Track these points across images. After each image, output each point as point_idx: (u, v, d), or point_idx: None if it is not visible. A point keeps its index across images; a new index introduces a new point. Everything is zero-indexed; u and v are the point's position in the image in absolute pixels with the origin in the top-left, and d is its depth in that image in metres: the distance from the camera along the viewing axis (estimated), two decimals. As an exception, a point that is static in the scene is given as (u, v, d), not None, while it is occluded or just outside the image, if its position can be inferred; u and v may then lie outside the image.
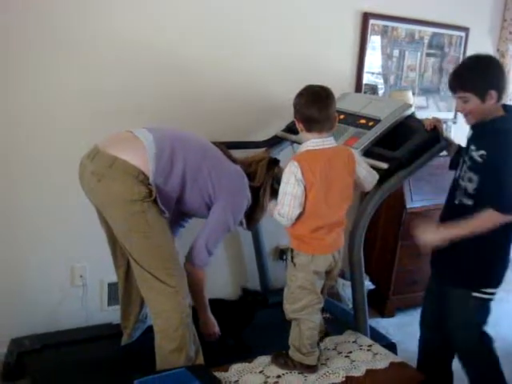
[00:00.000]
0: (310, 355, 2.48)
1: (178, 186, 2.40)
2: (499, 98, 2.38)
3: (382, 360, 2.64)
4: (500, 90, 2.36)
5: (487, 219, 2.30)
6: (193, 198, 2.46)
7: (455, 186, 2.57)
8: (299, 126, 2.36)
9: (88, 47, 2.90)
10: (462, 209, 2.45)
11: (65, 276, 3.09)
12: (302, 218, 2.35)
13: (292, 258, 2.43)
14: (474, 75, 2.38)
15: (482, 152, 2.34)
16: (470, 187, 2.41)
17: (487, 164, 2.33)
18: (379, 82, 3.95)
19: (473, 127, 2.51)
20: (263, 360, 2.56)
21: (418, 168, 2.71)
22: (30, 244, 2.96)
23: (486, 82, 2.36)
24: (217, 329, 2.74)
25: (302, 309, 2.43)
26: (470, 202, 2.43)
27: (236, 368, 2.47)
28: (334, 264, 2.47)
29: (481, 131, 2.45)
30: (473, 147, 2.41)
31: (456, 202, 2.52)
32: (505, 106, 2.45)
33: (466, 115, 2.47)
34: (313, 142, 2.34)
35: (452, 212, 2.53)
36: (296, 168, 2.28)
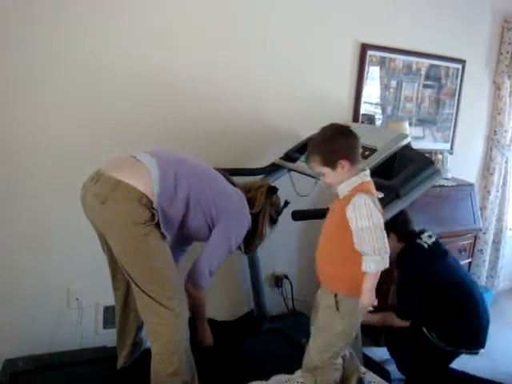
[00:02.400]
0: None
1: (182, 210, 2.42)
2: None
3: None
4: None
5: None
6: (195, 221, 2.48)
7: None
8: (344, 166, 2.20)
9: (91, 65, 2.93)
10: None
11: (61, 298, 3.09)
12: (357, 257, 2.19)
13: (336, 303, 2.28)
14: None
15: None
16: None
17: None
18: (377, 111, 4.01)
19: None
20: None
21: (415, 197, 2.74)
22: (26, 265, 2.96)
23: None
24: (211, 339, 2.76)
25: (335, 355, 2.37)
26: None
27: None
28: None
29: None
30: None
31: None
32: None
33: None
34: (363, 173, 2.25)
35: None
36: (369, 198, 2.16)
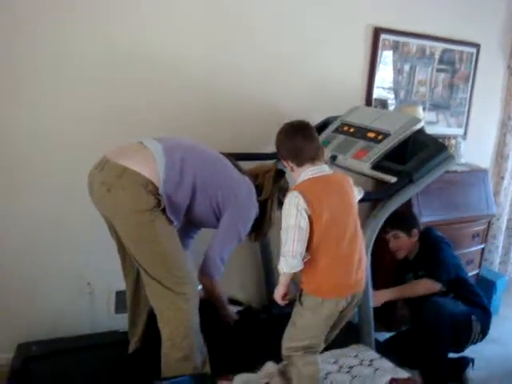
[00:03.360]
0: None
1: (188, 196, 2.40)
2: None
3: (383, 376, 2.60)
4: None
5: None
6: (202, 207, 2.47)
7: None
8: (288, 166, 2.21)
9: (95, 57, 2.93)
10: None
11: (72, 283, 3.10)
12: (312, 254, 2.11)
13: (300, 296, 2.24)
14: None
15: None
16: None
17: None
18: (390, 96, 3.97)
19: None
20: (267, 370, 2.54)
21: (428, 182, 2.71)
22: (38, 251, 2.98)
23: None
24: (235, 317, 2.81)
25: (300, 349, 2.26)
26: None
27: (240, 378, 2.47)
28: (348, 305, 2.26)
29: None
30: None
31: None
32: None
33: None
34: (310, 169, 2.16)
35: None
36: (296, 198, 2.07)
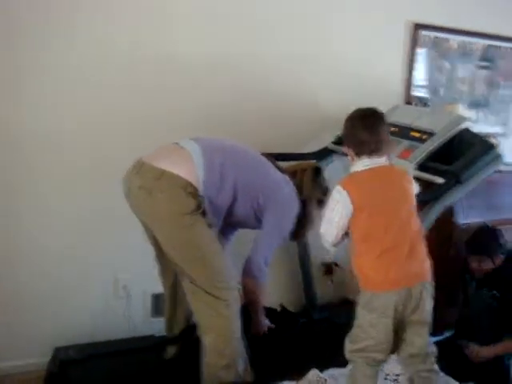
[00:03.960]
0: None
1: (229, 199, 2.35)
2: None
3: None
4: None
5: None
6: (243, 209, 2.41)
7: None
8: (349, 153, 2.19)
9: (97, 56, 2.87)
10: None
11: (108, 287, 3.07)
12: (358, 247, 2.13)
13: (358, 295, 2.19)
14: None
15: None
16: None
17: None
18: (429, 94, 3.87)
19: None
20: (312, 377, 2.48)
21: (476, 182, 2.61)
22: (74, 254, 2.95)
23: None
24: (266, 329, 2.72)
25: (359, 351, 2.16)
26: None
27: (285, 387, 2.40)
28: (407, 302, 2.09)
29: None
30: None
31: None
32: None
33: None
34: (364, 162, 2.14)
35: None
36: (338, 193, 2.09)
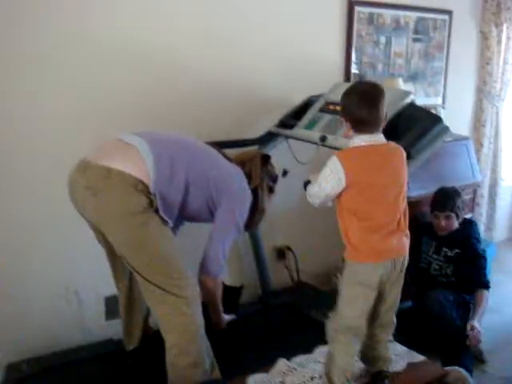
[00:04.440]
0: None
1: (181, 192, 2.26)
2: None
3: (399, 361, 2.53)
4: None
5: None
6: (195, 203, 2.33)
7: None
8: (346, 125, 2.19)
9: (78, 48, 2.76)
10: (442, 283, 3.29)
11: (58, 293, 2.93)
12: (349, 218, 2.16)
13: (342, 269, 2.25)
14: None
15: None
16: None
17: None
18: (368, 70, 3.87)
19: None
20: (281, 367, 2.45)
21: (426, 156, 2.62)
22: (20, 260, 2.79)
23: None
24: (225, 323, 2.66)
25: (344, 327, 2.19)
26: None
27: (254, 379, 2.36)
28: (389, 274, 2.19)
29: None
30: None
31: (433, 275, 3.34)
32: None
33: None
34: (362, 138, 2.14)
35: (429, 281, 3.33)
36: (334, 164, 2.11)
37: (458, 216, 3.28)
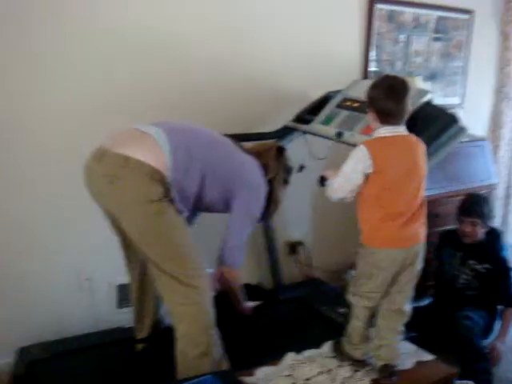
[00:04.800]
0: (356, 348, 2.45)
1: (197, 182, 2.27)
2: None
3: (408, 359, 2.54)
4: None
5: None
6: (212, 192, 2.34)
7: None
8: (372, 116, 2.28)
9: (87, 39, 2.76)
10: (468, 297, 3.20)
11: (71, 280, 2.96)
12: (371, 206, 2.27)
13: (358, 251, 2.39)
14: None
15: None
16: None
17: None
18: (386, 68, 3.85)
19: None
20: (289, 361, 2.47)
21: (442, 156, 2.61)
22: (34, 249, 2.83)
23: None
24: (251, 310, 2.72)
25: (357, 294, 2.39)
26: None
27: (262, 372, 2.38)
28: (405, 258, 2.30)
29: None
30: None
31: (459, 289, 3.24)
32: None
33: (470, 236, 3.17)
34: (387, 129, 2.25)
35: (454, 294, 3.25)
36: (361, 152, 2.22)
37: (484, 224, 3.17)
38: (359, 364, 2.46)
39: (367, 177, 2.23)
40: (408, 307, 2.41)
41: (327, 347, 2.60)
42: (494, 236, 3.28)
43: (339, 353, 2.52)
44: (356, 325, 2.43)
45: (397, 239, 2.27)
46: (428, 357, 2.58)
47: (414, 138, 2.32)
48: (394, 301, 2.38)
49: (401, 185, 2.24)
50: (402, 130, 2.28)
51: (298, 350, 2.56)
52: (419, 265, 2.36)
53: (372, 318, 2.44)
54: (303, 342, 2.66)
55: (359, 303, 2.40)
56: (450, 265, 3.27)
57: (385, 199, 2.24)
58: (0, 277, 2.77)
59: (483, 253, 3.20)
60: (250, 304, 2.70)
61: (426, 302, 3.38)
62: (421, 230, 2.32)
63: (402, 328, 2.44)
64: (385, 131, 2.25)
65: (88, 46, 2.77)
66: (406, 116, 2.28)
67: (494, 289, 3.17)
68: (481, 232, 3.18)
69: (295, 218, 3.65)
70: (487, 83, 4.59)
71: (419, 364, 2.52)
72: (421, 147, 2.32)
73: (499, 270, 3.17)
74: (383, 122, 2.25)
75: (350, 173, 2.25)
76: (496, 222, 4.70)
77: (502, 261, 3.21)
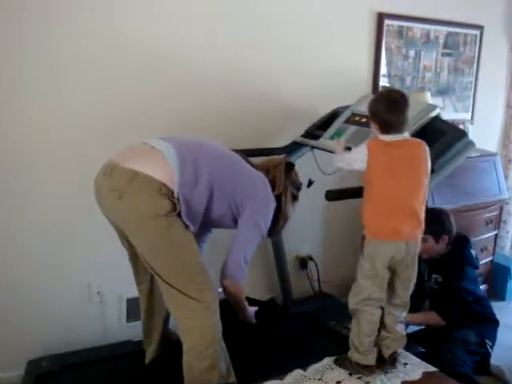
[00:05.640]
0: (367, 354, 2.47)
1: (205, 197, 2.28)
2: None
3: (414, 370, 2.54)
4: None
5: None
6: (219, 208, 2.35)
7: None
8: (374, 127, 2.42)
9: (95, 53, 2.80)
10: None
11: (82, 293, 2.99)
12: (370, 199, 2.40)
13: (362, 247, 2.47)
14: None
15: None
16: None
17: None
18: (396, 83, 3.86)
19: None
20: (295, 376, 2.46)
21: (449, 171, 2.61)
22: (46, 261, 2.85)
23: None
24: (254, 320, 2.70)
25: (363, 300, 2.45)
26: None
27: (269, 386, 2.37)
28: (403, 256, 2.41)
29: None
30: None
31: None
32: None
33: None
34: (387, 137, 2.38)
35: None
36: (364, 148, 2.39)
37: (437, 239, 3.07)
38: (368, 370, 2.48)
39: (367, 171, 2.39)
40: (408, 299, 2.55)
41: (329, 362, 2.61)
42: (457, 245, 3.17)
43: (347, 366, 2.52)
44: (369, 328, 2.48)
45: (396, 231, 2.37)
46: (432, 369, 2.57)
47: (415, 140, 2.46)
48: (398, 296, 2.51)
49: (398, 178, 2.36)
50: (404, 136, 2.40)
51: (306, 365, 2.55)
52: (416, 264, 2.48)
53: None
54: (311, 356, 2.65)
55: (368, 309, 2.47)
56: (423, 279, 3.20)
57: (383, 194, 2.36)
58: (10, 290, 2.79)
59: (442, 263, 3.15)
60: (252, 310, 2.70)
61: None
62: (417, 229, 2.43)
63: (404, 315, 2.57)
64: (387, 138, 2.38)
65: (99, 60, 2.81)
66: (407, 125, 2.40)
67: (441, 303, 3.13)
68: (437, 247, 3.10)
69: (305, 233, 3.65)
70: (498, 98, 4.59)
71: (426, 374, 2.52)
72: (422, 147, 2.41)
73: (448, 282, 3.10)
74: (385, 132, 2.38)
75: (353, 160, 2.45)
76: (508, 237, 4.70)
77: (453, 273, 3.10)
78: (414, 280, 2.51)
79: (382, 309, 2.50)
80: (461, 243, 3.18)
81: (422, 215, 2.42)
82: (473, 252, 3.22)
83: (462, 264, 3.12)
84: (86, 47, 2.77)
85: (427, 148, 2.42)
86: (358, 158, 2.42)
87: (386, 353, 2.54)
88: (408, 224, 2.39)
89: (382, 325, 2.52)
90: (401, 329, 2.57)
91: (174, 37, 2.98)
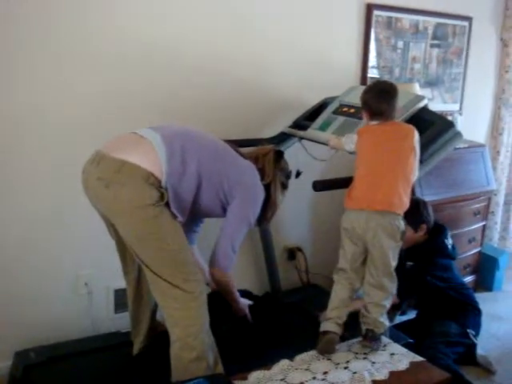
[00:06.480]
0: (327, 321, 2.61)
1: (194, 187, 2.28)
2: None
3: (401, 360, 2.55)
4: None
5: None
6: (208, 197, 2.35)
7: None
8: (365, 116, 2.59)
9: (88, 45, 2.78)
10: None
11: (69, 284, 2.96)
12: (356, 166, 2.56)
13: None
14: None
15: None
16: None
17: None
18: (384, 74, 3.87)
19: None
20: (282, 366, 2.46)
21: (437, 161, 2.63)
22: (32, 252, 2.83)
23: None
24: (247, 311, 2.73)
25: (335, 270, 2.66)
26: None
27: (255, 376, 2.37)
28: (361, 228, 2.49)
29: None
30: None
31: None
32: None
33: None
34: (374, 123, 2.55)
35: None
36: (355, 134, 2.60)
37: (414, 229, 3.12)
38: (323, 335, 2.59)
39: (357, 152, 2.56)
40: (390, 285, 2.56)
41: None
42: (434, 236, 3.22)
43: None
44: (332, 296, 2.63)
45: (361, 199, 2.49)
46: (419, 358, 2.58)
47: (404, 124, 2.60)
48: (371, 274, 2.55)
49: (379, 155, 2.49)
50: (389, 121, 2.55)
51: (293, 355, 2.56)
52: (383, 242, 2.49)
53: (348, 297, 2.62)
54: (298, 346, 2.65)
55: (335, 278, 2.64)
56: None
57: (364, 165, 2.52)
58: (-4, 281, 2.78)
59: (416, 253, 3.18)
60: (246, 302, 2.71)
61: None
62: (391, 198, 2.46)
63: (387, 304, 2.59)
64: (373, 124, 2.55)
65: (94, 55, 2.80)
66: (395, 113, 2.55)
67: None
68: (415, 236, 3.15)
69: (293, 224, 3.66)
70: (486, 89, 4.61)
71: (414, 364, 2.53)
72: (408, 128, 2.53)
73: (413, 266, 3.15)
74: (374, 120, 2.55)
75: (347, 143, 2.63)
76: (496, 228, 4.73)
77: (422, 260, 3.16)
78: (386, 261, 2.51)
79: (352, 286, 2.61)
80: (436, 232, 3.23)
81: (403, 190, 2.47)
82: (448, 241, 3.22)
83: (432, 252, 3.18)
84: (82, 38, 2.76)
85: (416, 131, 2.50)
86: (347, 141, 2.61)
87: (363, 329, 2.61)
88: (376, 195, 2.45)
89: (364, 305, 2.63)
90: (380, 315, 2.58)
91: (165, 32, 2.97)
